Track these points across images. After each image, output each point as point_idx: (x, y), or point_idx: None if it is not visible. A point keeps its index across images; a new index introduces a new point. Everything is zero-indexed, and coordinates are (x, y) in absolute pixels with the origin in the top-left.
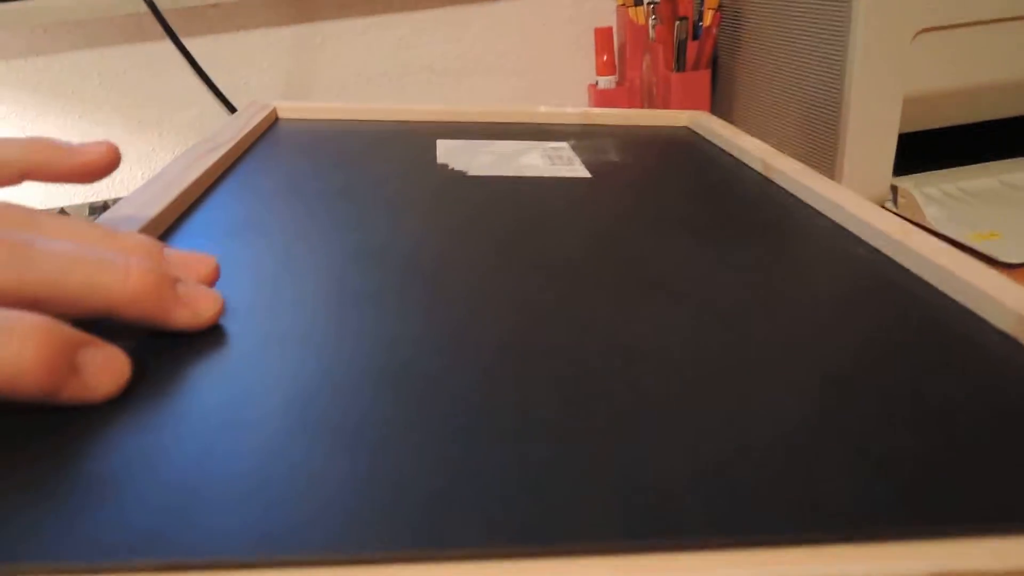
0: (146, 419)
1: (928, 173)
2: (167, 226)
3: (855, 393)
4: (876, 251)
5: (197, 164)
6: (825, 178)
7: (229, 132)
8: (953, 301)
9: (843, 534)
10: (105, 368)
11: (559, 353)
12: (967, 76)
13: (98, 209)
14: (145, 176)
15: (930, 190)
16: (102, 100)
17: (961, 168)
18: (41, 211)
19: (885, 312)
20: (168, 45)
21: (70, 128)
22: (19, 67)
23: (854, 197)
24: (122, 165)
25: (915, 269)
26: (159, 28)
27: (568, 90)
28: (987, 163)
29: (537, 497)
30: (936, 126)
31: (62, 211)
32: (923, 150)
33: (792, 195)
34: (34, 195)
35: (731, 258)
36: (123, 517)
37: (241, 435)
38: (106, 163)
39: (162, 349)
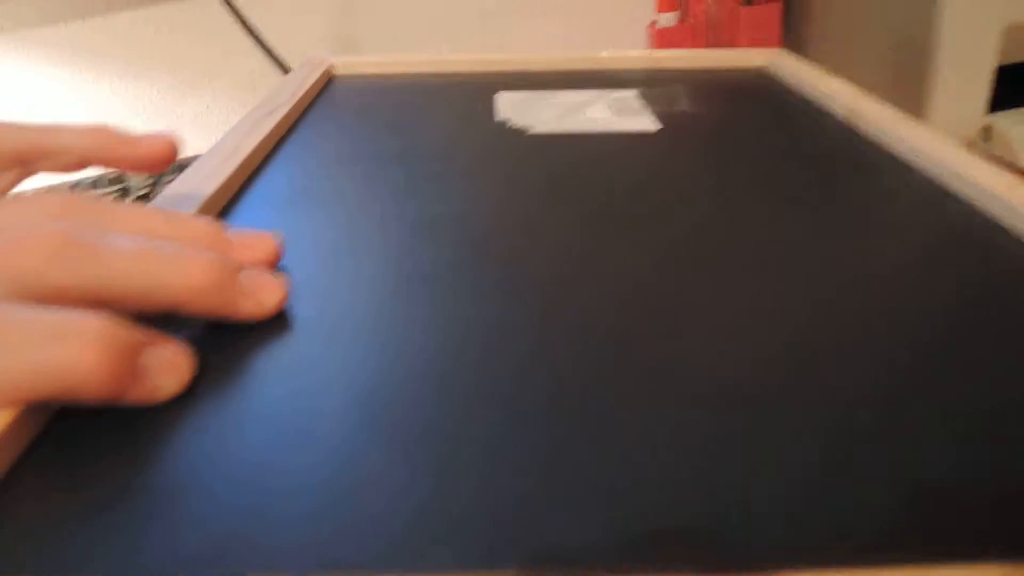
0: (206, 422)
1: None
2: (228, 199)
3: (955, 385)
4: (977, 210)
5: (254, 132)
6: (921, 125)
7: (284, 94)
8: None
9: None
10: (168, 368)
11: (656, 344)
12: None
13: (114, 180)
14: (199, 136)
15: None
16: (156, 60)
17: None
18: (105, 201)
19: (991, 288)
20: (215, 1)
21: (125, 89)
22: (75, 30)
23: (953, 148)
24: (179, 125)
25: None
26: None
27: (626, 29)
28: None
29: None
30: None
31: (120, 176)
32: (1019, 82)
33: (882, 147)
34: None
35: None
36: (177, 537)
37: (305, 442)
38: (165, 157)
39: (224, 341)
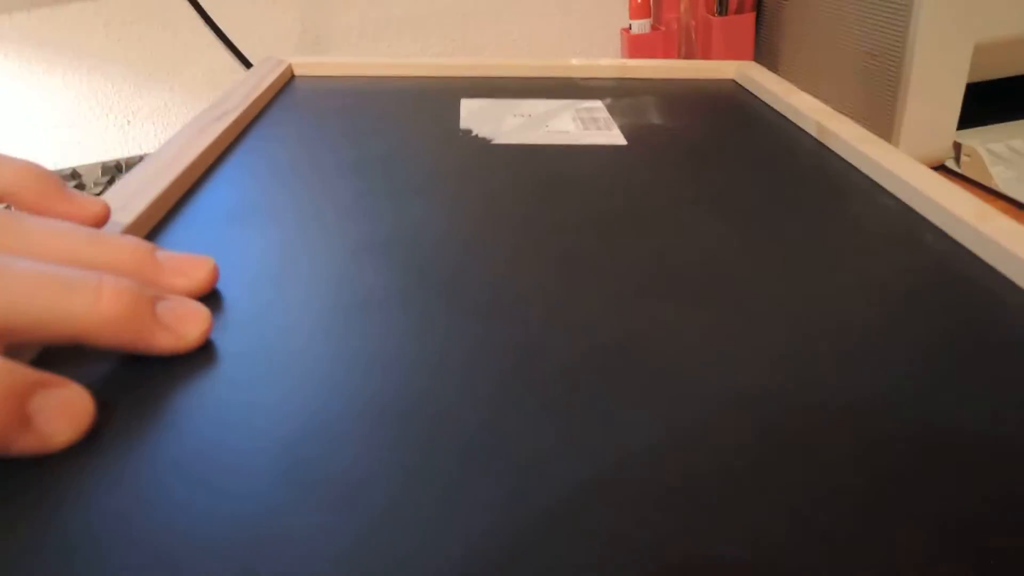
0: (109, 474)
1: (994, 126)
2: (163, 214)
3: (917, 418)
4: (948, 238)
5: (200, 138)
6: (890, 146)
7: (238, 96)
8: None
9: None
10: (63, 413)
11: (609, 373)
12: None
13: (111, 169)
14: (158, 132)
15: (997, 147)
16: (109, 53)
17: None
18: (20, 217)
19: (955, 317)
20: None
21: (79, 82)
22: (22, 21)
23: (924, 171)
24: (135, 121)
25: (995, 263)
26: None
27: (599, 34)
28: None
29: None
30: (1008, 75)
31: (74, 172)
32: (989, 100)
33: (851, 166)
34: (48, 155)
35: (780, 247)
36: None
37: (219, 502)
38: (97, 223)
39: (137, 379)
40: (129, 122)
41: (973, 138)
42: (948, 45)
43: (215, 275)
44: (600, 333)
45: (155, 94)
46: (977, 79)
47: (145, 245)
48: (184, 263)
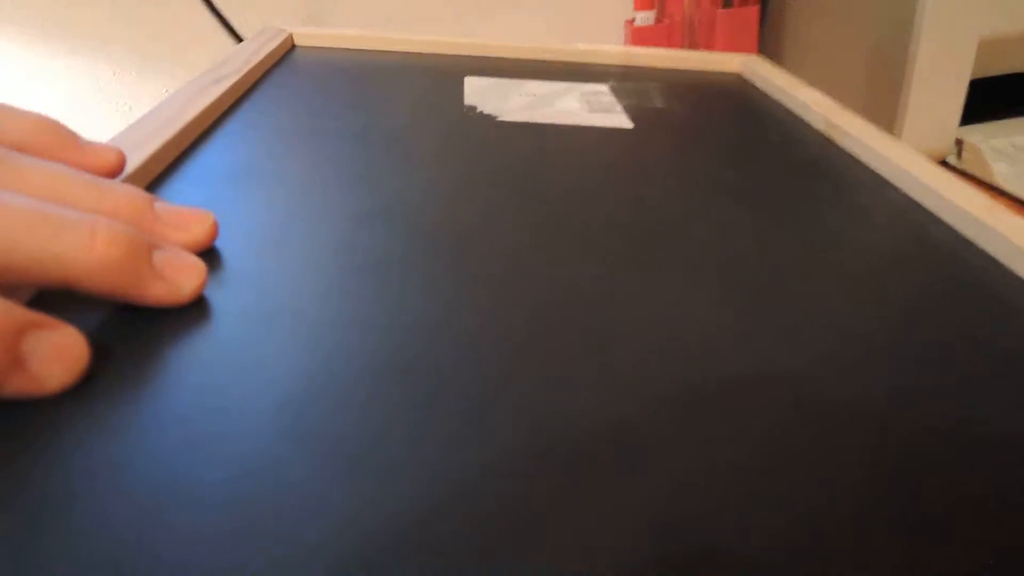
0: (104, 421)
1: (996, 122)
2: (163, 168)
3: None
4: (954, 231)
5: (198, 99)
6: (898, 141)
7: (239, 60)
8: None
9: None
10: (57, 356)
11: (592, 353)
12: None
13: None
14: None
15: (998, 142)
16: (113, 36)
17: None
18: (16, 156)
19: (959, 313)
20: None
21: (80, 67)
22: (24, 2)
23: (929, 164)
24: (135, 107)
25: (1000, 257)
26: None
27: (603, 26)
28: None
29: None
30: (1012, 71)
31: None
32: (994, 96)
33: (858, 160)
34: None
35: (783, 236)
36: (71, 552)
37: (220, 448)
38: (113, 171)
39: (132, 329)
40: (131, 108)
41: (976, 134)
42: (952, 40)
43: (214, 231)
44: (603, 300)
45: (157, 82)
46: (981, 75)
47: (144, 195)
48: (183, 217)
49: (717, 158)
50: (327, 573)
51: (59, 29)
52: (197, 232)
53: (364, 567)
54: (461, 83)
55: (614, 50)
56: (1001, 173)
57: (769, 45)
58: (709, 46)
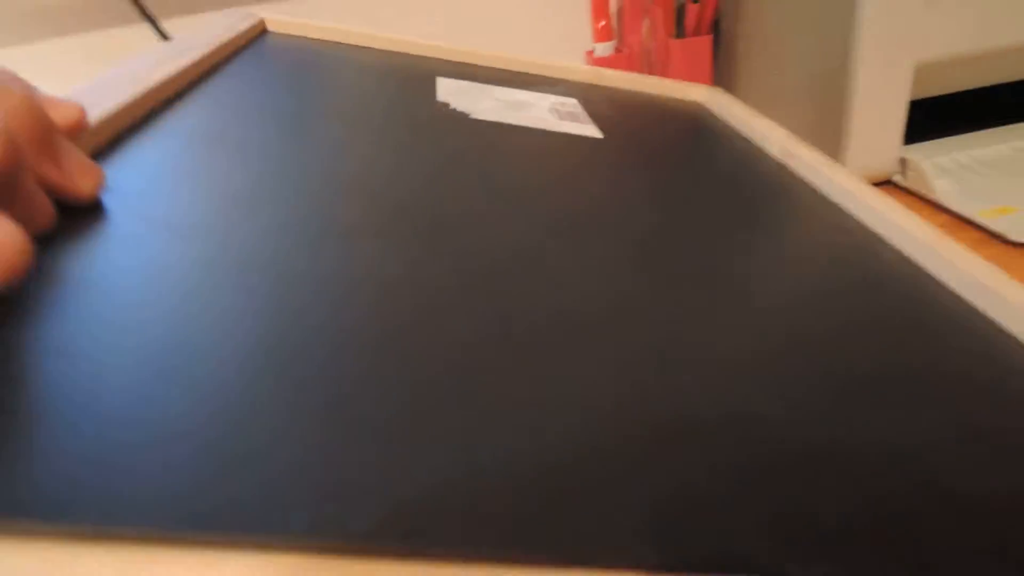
0: (56, 340)
1: (939, 141)
2: (125, 126)
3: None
4: (903, 257)
5: (164, 66)
6: (846, 170)
7: (206, 35)
8: (993, 324)
9: None
10: None
11: (540, 341)
12: (982, 40)
13: None
14: None
15: (941, 160)
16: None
17: (973, 134)
18: None
19: (909, 336)
20: (148, 28)
21: None
22: (8, 57)
23: (877, 194)
24: None
25: (947, 281)
26: (139, 10)
27: (564, 57)
28: (1000, 128)
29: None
30: (949, 92)
31: None
32: (934, 116)
33: (810, 186)
34: None
35: (733, 251)
36: (28, 471)
37: (184, 379)
38: (77, 127)
39: (90, 257)
40: None
41: (920, 152)
42: (890, 65)
43: (84, 120)
44: (551, 270)
45: None
46: (921, 96)
47: (50, 124)
48: (79, 163)
49: (680, 172)
50: (264, 515)
51: (40, 81)
52: (70, 115)
53: (305, 501)
54: (433, 82)
55: (582, 68)
56: (942, 190)
57: (722, 74)
58: (666, 74)
